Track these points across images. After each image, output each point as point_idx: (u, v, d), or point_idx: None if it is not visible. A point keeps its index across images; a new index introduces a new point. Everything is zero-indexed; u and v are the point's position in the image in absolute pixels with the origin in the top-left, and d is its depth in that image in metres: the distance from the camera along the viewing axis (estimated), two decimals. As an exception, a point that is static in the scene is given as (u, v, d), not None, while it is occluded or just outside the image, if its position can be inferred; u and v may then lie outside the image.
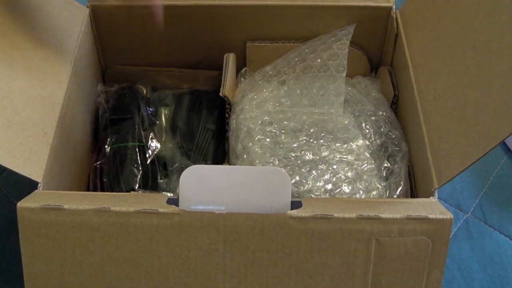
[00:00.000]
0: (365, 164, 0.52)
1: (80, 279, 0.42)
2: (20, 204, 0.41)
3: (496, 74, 0.44)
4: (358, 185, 0.51)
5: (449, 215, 0.41)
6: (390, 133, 0.55)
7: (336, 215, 0.40)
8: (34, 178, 0.44)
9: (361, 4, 0.60)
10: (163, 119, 0.62)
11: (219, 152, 0.60)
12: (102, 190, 0.58)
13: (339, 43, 0.57)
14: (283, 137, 0.54)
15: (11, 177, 0.66)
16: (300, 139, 0.53)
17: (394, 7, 0.60)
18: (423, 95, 0.51)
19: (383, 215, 0.40)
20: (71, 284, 0.42)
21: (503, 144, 0.69)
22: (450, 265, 0.58)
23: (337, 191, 0.50)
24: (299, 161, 0.52)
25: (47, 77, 0.50)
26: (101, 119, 0.60)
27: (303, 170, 0.51)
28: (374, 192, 0.51)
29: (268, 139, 0.54)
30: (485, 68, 0.45)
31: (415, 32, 0.56)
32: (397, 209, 0.41)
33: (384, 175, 0.52)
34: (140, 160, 0.57)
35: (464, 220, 0.63)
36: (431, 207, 0.42)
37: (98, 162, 0.59)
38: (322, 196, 0.50)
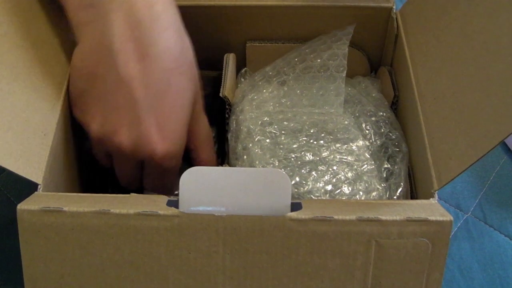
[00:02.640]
0: (365, 165, 0.52)
1: (80, 281, 0.42)
2: (20, 206, 0.41)
3: (495, 74, 0.44)
4: (358, 186, 0.51)
5: (449, 217, 0.41)
6: (390, 134, 0.55)
7: (336, 217, 0.40)
8: (34, 179, 0.44)
9: (361, 4, 0.60)
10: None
11: (219, 154, 0.60)
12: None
13: (339, 43, 0.57)
14: (283, 138, 0.54)
15: (11, 178, 0.66)
16: (300, 139, 0.53)
17: (394, 7, 0.60)
18: (423, 96, 0.51)
19: (383, 217, 0.40)
20: (71, 286, 0.42)
21: (503, 144, 0.69)
22: (450, 265, 0.58)
23: (337, 192, 0.50)
24: (299, 162, 0.52)
25: (47, 78, 0.50)
26: None
27: (303, 171, 0.51)
28: (374, 193, 0.51)
29: (268, 140, 0.54)
30: (484, 69, 0.45)
31: (415, 32, 0.56)
32: (397, 211, 0.41)
33: (384, 176, 0.52)
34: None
35: (464, 220, 0.63)
36: (431, 209, 0.42)
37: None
38: (322, 197, 0.50)
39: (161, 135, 0.48)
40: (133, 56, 0.47)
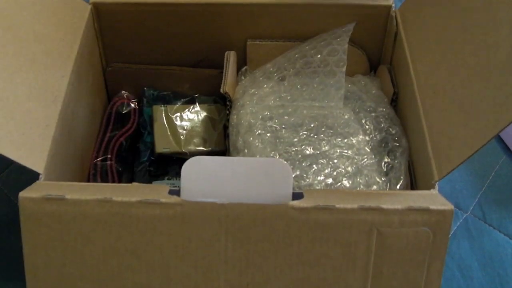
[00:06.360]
0: (365, 159, 0.52)
1: (81, 269, 0.42)
2: (22, 194, 0.41)
3: (493, 66, 0.44)
4: (358, 179, 0.51)
5: (450, 206, 0.41)
6: (390, 129, 0.55)
7: (337, 205, 0.40)
8: (35, 169, 0.44)
9: (361, 2, 0.60)
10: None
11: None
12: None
13: (339, 39, 0.57)
14: (283, 132, 0.54)
15: (11, 177, 0.66)
16: (301, 133, 0.54)
17: (393, 5, 0.60)
18: (422, 91, 0.51)
19: (384, 206, 0.41)
20: (72, 274, 0.42)
21: (502, 143, 0.69)
22: (449, 263, 0.58)
23: (337, 185, 0.50)
24: (300, 156, 0.52)
25: (49, 71, 0.50)
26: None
27: (303, 164, 0.51)
28: (375, 187, 0.51)
29: (268, 134, 0.54)
30: (483, 61, 0.46)
31: (414, 29, 0.57)
32: (398, 200, 0.41)
33: (384, 170, 0.53)
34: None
35: (464, 219, 0.63)
36: (432, 199, 0.42)
37: (98, 159, 0.59)
38: (323, 190, 0.50)
39: None
40: None
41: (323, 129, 0.54)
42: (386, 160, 0.53)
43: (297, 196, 0.42)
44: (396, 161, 0.53)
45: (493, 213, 0.63)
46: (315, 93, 0.56)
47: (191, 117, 0.63)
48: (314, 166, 0.51)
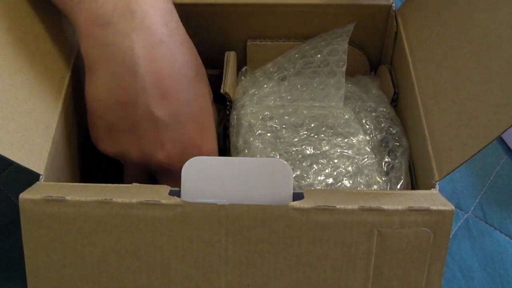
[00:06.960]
0: (366, 159, 0.52)
1: (82, 271, 0.42)
2: (23, 195, 0.41)
3: (495, 67, 0.44)
4: (359, 179, 0.51)
5: (450, 207, 0.41)
6: (391, 129, 0.55)
7: (338, 206, 0.40)
8: (36, 170, 0.44)
9: (361, 2, 0.60)
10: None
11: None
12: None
13: (339, 39, 0.58)
14: (283, 132, 0.54)
15: (11, 177, 0.66)
16: (301, 133, 0.54)
17: (393, 5, 0.60)
18: (423, 91, 0.51)
19: (385, 207, 0.41)
20: (72, 275, 0.42)
21: (503, 143, 0.69)
22: (450, 264, 0.58)
23: (338, 185, 0.50)
24: (300, 156, 0.52)
25: (49, 72, 0.50)
26: None
27: (304, 164, 0.51)
28: (375, 187, 0.51)
29: (269, 134, 0.54)
30: (485, 62, 0.45)
31: (414, 29, 0.57)
32: (399, 200, 0.41)
33: (385, 170, 0.53)
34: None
35: (465, 219, 0.63)
36: (432, 199, 0.42)
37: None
38: (323, 191, 0.50)
39: (203, 138, 0.51)
40: (159, 76, 0.47)
41: (323, 129, 0.54)
42: (386, 160, 0.53)
43: (297, 196, 0.42)
44: (396, 161, 0.53)
45: (494, 213, 0.63)
46: (315, 93, 0.56)
47: (191, 117, 0.63)
48: (314, 166, 0.51)
